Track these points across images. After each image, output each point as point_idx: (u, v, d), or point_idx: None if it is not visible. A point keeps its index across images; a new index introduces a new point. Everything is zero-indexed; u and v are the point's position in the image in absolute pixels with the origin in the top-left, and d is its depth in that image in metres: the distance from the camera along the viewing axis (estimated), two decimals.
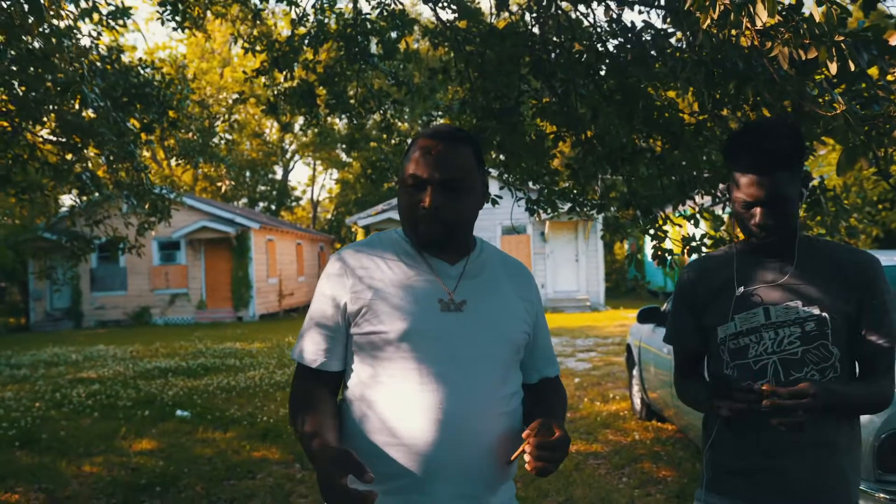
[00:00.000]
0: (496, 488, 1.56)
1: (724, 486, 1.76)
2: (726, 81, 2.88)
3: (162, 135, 6.42)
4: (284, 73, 4.92)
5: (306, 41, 4.67)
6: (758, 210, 1.65)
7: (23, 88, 4.98)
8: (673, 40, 3.40)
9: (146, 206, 6.25)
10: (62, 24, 4.70)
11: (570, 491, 4.68)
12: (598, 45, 3.87)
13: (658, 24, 3.56)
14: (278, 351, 12.93)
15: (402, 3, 4.97)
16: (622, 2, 3.70)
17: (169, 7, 5.22)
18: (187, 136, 6.88)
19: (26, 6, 3.95)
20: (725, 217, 4.86)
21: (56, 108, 5.15)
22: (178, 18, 5.41)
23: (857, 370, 1.76)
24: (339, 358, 1.61)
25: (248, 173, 38.33)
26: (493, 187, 5.02)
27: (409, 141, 1.65)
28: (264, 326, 19.23)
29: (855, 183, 9.75)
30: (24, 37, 4.28)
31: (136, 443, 6.24)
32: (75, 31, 4.93)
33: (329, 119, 5.66)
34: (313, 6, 4.83)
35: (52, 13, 4.72)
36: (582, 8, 4.01)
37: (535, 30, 4.16)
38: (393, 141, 5.62)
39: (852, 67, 2.12)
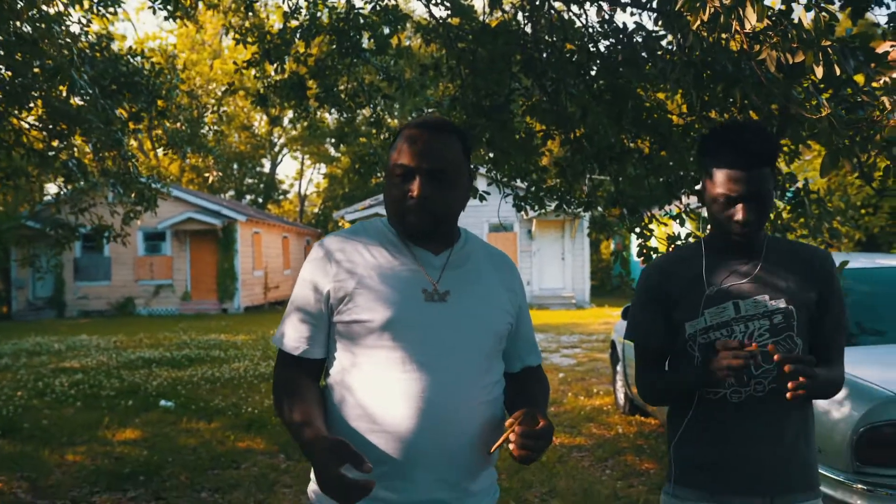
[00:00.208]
0: (477, 475, 1.58)
1: (691, 479, 1.78)
2: (715, 83, 2.92)
3: (150, 124, 6.39)
4: (275, 65, 4.91)
5: (298, 34, 4.66)
6: (740, 206, 1.67)
7: (9, 74, 4.95)
8: (664, 42, 3.44)
9: (132, 195, 6.22)
10: (52, 11, 4.66)
11: (553, 482, 4.73)
12: (590, 46, 3.90)
13: (650, 25, 3.61)
14: (263, 343, 12.91)
15: None
16: (614, 3, 3.74)
17: None
18: (175, 126, 6.85)
19: None
20: None
21: (43, 94, 5.12)
22: (169, 7, 5.39)
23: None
24: (321, 345, 1.62)
25: (235, 166, 38.13)
26: (482, 184, 5.05)
27: (397, 131, 1.65)
28: (249, 319, 19.17)
29: (839, 188, 9.87)
30: (12, 21, 4.25)
31: (119, 432, 6.23)
32: (65, 17, 4.89)
33: (318, 113, 5.65)
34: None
35: None
36: (575, 8, 4.04)
37: (528, 29, 4.18)
38: (382, 136, 5.63)
39: (838, 72, 2.16)
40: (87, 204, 6.84)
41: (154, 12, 5.33)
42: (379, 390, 1.51)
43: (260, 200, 40.11)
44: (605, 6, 3.77)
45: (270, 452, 5.61)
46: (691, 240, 3.84)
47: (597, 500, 4.38)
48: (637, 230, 4.22)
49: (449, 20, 4.57)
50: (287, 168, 65.33)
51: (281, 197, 43.30)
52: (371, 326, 1.52)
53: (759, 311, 1.73)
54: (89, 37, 5.47)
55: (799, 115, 2.48)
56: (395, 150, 1.59)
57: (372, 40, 4.77)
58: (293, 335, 1.61)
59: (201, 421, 6.67)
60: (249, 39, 4.78)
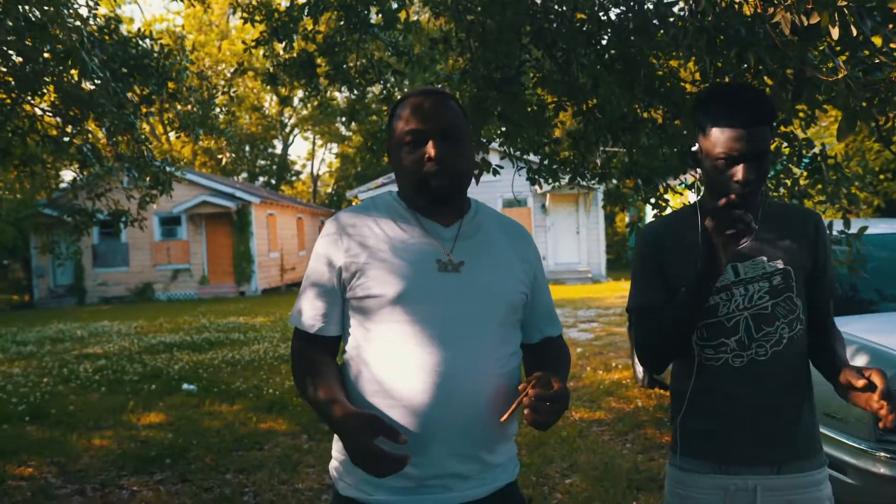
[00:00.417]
0: (495, 448, 1.57)
1: (697, 450, 1.76)
2: (728, 48, 2.87)
3: (161, 107, 6.40)
4: (284, 43, 4.89)
5: (306, 11, 4.63)
6: (741, 166, 1.64)
7: (20, 60, 4.96)
8: (675, 9, 3.38)
9: (147, 179, 6.25)
10: None
11: (574, 457, 4.76)
12: (600, 14, 3.84)
13: None
14: (281, 325, 13.01)
15: None
16: None
17: None
18: (187, 109, 6.85)
19: None
20: None
21: (55, 79, 5.13)
22: None
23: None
24: (337, 322, 1.62)
25: (247, 147, 38.21)
26: (494, 158, 5.02)
27: (393, 106, 1.65)
28: (267, 301, 19.32)
29: (857, 153, 9.72)
30: (22, 6, 4.25)
31: (144, 416, 6.32)
32: (72, 1, 4.89)
33: (329, 91, 5.62)
34: None
35: None
36: None
37: None
38: None
39: (855, 33, 2.11)
40: (103, 189, 6.88)
41: None
42: (394, 364, 1.51)
43: (273, 182, 40.24)
44: None
45: (293, 433, 5.67)
46: None
47: (617, 473, 4.39)
48: (652, 201, 4.18)
49: None
50: (299, 149, 65.56)
51: (294, 178, 43.41)
52: (384, 300, 1.52)
53: (757, 273, 1.71)
54: (97, 20, 5.47)
55: (815, 78, 2.43)
56: (399, 120, 1.59)
57: (380, 15, 4.72)
58: (308, 313, 1.62)
59: (223, 403, 6.75)
60: (257, 18, 4.75)
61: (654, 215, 4.15)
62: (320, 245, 1.64)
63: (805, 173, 3.48)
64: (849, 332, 3.40)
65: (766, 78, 2.89)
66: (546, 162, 4.69)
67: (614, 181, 4.68)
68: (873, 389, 1.52)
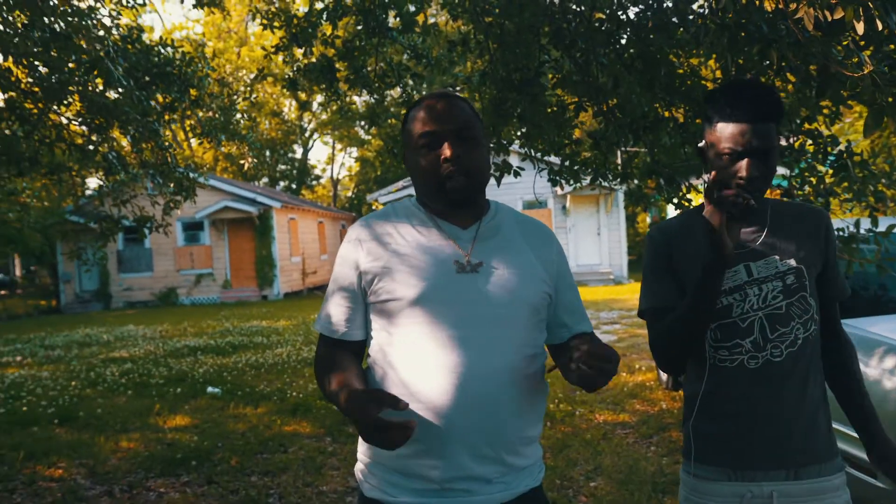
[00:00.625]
0: (517, 450, 1.56)
1: (711, 456, 1.72)
2: (750, 45, 2.85)
3: (183, 114, 6.47)
4: (303, 48, 4.93)
5: (324, 16, 4.66)
6: (744, 161, 1.62)
7: (46, 71, 5.04)
8: (695, 6, 3.36)
9: (171, 185, 6.32)
10: (83, 5, 4.74)
11: (598, 460, 4.73)
12: (619, 13, 3.83)
13: None
14: (304, 328, 13.08)
15: None
16: None
17: None
18: (209, 115, 6.92)
19: None
20: None
21: (80, 88, 5.21)
22: None
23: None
24: (361, 326, 1.63)
25: (268, 152, 38.51)
26: (515, 160, 5.01)
27: (408, 109, 1.65)
28: (289, 305, 19.44)
29: (883, 149, 9.58)
30: (46, 18, 4.32)
31: (170, 419, 6.38)
32: (95, 11, 4.97)
33: (348, 96, 5.65)
34: None
35: None
36: None
37: None
38: None
39: (880, 28, 2.09)
40: (128, 196, 6.97)
41: (182, 1, 5.38)
42: (416, 366, 1.51)
43: (293, 186, 40.49)
44: None
45: (317, 436, 5.70)
46: None
47: (642, 477, 4.36)
48: (675, 201, 4.15)
49: None
50: (318, 153, 65.90)
51: (314, 182, 43.65)
52: (403, 302, 1.53)
53: (771, 273, 1.68)
54: (120, 29, 5.55)
55: (839, 73, 2.40)
56: (414, 123, 1.60)
57: (398, 19, 4.75)
58: (332, 318, 1.64)
59: (248, 406, 6.80)
60: (276, 24, 4.79)
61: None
62: (343, 251, 1.66)
63: (831, 171, 3.43)
64: (878, 333, 3.36)
65: (789, 75, 2.86)
66: (567, 163, 4.68)
67: (636, 181, 4.65)
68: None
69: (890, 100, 2.29)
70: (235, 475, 4.78)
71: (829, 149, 3.42)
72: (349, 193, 43.09)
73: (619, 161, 4.57)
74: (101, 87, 5.20)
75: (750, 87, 1.65)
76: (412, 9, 4.85)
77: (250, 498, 4.34)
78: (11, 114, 5.38)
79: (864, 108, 2.49)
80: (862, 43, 2.46)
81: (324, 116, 38.03)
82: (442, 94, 1.64)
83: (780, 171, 3.52)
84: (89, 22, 4.81)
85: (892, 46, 2.51)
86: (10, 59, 4.73)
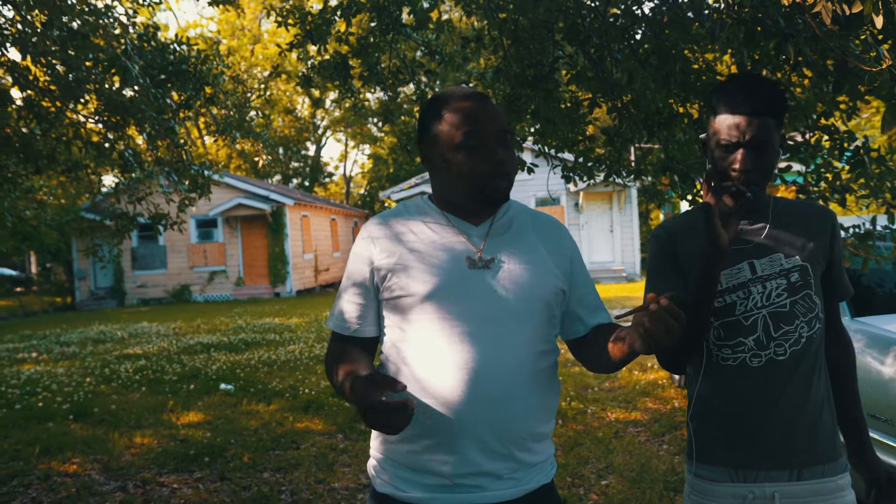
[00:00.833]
0: (528, 447, 1.56)
1: (713, 455, 1.71)
2: (767, 40, 2.82)
3: (198, 111, 6.51)
4: (318, 46, 4.93)
5: (339, 13, 4.66)
6: (739, 153, 1.61)
7: (63, 69, 5.08)
8: (711, 0, 3.34)
9: (186, 183, 6.36)
10: (101, 4, 4.78)
11: (610, 458, 4.71)
12: (634, 9, 3.80)
13: None
14: (316, 325, 13.12)
15: None
16: None
17: None
18: (223, 112, 6.95)
19: None
20: None
21: (97, 87, 5.25)
22: None
23: None
24: (373, 323, 1.64)
25: (280, 150, 38.66)
26: (528, 157, 5.00)
27: (426, 109, 1.62)
28: (301, 302, 19.50)
29: None
30: (65, 16, 4.36)
31: (183, 415, 6.42)
32: (112, 10, 5.01)
33: (362, 93, 5.66)
34: None
35: None
36: None
37: None
38: None
39: None
40: (143, 193, 7.01)
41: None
42: (428, 362, 1.52)
43: (306, 184, 40.62)
44: None
45: (329, 433, 5.71)
46: None
47: (654, 475, 4.34)
48: (689, 197, 4.13)
49: None
50: (331, 150, 66.15)
51: (327, 179, 43.77)
52: (415, 298, 1.53)
53: (775, 270, 1.67)
54: (136, 28, 5.59)
55: (857, 68, 2.38)
56: (447, 122, 1.58)
57: (412, 15, 4.74)
58: (345, 315, 1.65)
59: (261, 403, 6.83)
60: (290, 21, 4.80)
61: None
62: (355, 251, 1.67)
63: (847, 167, 3.39)
64: (894, 331, 3.32)
65: (805, 70, 2.84)
66: (581, 159, 4.66)
67: (650, 178, 4.62)
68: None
69: None
70: (248, 471, 4.80)
71: (845, 144, 3.38)
72: (362, 191, 43.18)
73: (632, 157, 4.55)
74: (117, 86, 5.23)
75: (750, 81, 1.64)
76: (426, 5, 4.85)
77: (262, 494, 4.36)
78: (29, 112, 5.43)
79: (882, 103, 2.46)
80: (881, 37, 2.43)
81: (337, 113, 38.14)
82: (475, 92, 1.63)
83: (796, 167, 3.49)
84: (107, 20, 4.84)
85: None
86: (29, 57, 4.76)
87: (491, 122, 1.56)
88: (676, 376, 6.72)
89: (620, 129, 4.15)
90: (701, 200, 4.09)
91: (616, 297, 15.48)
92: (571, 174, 4.73)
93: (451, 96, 1.61)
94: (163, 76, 5.62)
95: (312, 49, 5.10)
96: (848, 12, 2.10)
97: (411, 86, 5.55)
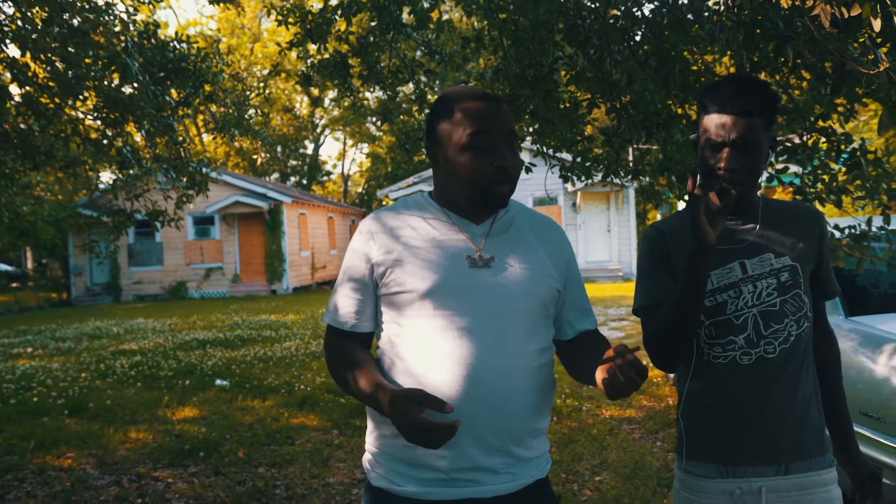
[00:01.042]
0: (525, 442, 1.57)
1: (703, 452, 1.72)
2: (766, 42, 2.84)
3: (196, 109, 6.50)
4: (318, 45, 4.94)
5: (339, 12, 4.67)
6: (724, 152, 1.63)
7: (63, 66, 5.08)
8: (710, 2, 3.36)
9: (184, 180, 6.36)
10: (101, 1, 4.78)
11: (604, 455, 4.73)
12: (634, 10, 3.82)
13: None
14: (313, 322, 13.12)
15: None
16: None
17: None
18: (222, 110, 6.95)
19: None
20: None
21: (96, 84, 5.25)
22: None
23: None
24: (370, 318, 1.65)
25: (279, 148, 38.63)
26: (526, 156, 5.02)
27: (436, 105, 1.62)
28: (298, 299, 19.50)
29: None
30: (65, 14, 4.36)
31: (178, 411, 6.42)
32: (113, 7, 5.01)
33: (361, 92, 5.67)
34: None
35: None
36: None
37: None
38: (425, 111, 5.63)
39: None
40: (141, 190, 7.01)
41: None
42: (425, 358, 1.52)
43: (304, 182, 40.58)
44: None
45: (324, 428, 5.72)
46: None
47: (648, 472, 4.37)
48: (686, 198, 4.14)
49: None
50: (329, 149, 66.15)
51: (325, 178, 43.74)
52: (415, 295, 1.54)
53: (765, 270, 1.69)
54: (136, 25, 5.59)
55: (855, 71, 2.40)
56: (456, 122, 1.58)
57: (412, 15, 4.75)
58: (342, 310, 1.65)
59: (256, 399, 6.84)
60: (291, 20, 4.81)
61: None
62: (354, 243, 1.67)
63: (844, 169, 3.42)
64: (888, 330, 3.35)
65: (804, 72, 2.85)
66: (579, 159, 4.68)
67: (648, 178, 4.64)
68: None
69: None
70: (243, 467, 4.81)
71: (842, 146, 3.40)
72: (359, 189, 43.16)
73: (630, 158, 4.57)
74: (116, 83, 5.22)
75: (738, 81, 1.66)
76: (426, 5, 4.86)
77: (257, 489, 4.37)
78: (28, 108, 5.42)
79: (880, 105, 2.48)
80: (879, 40, 2.45)
81: (335, 112, 38.12)
82: (487, 94, 1.63)
83: (793, 168, 3.51)
84: (107, 18, 4.84)
85: None
86: (29, 54, 4.76)
87: (500, 124, 1.57)
88: (671, 374, 6.74)
89: (619, 130, 4.16)
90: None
91: (612, 297, 15.51)
92: (569, 174, 4.75)
93: (463, 95, 1.61)
94: (162, 74, 5.62)
95: (312, 48, 5.11)
96: (846, 15, 2.12)
97: (411, 85, 5.56)
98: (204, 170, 6.67)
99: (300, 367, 8.52)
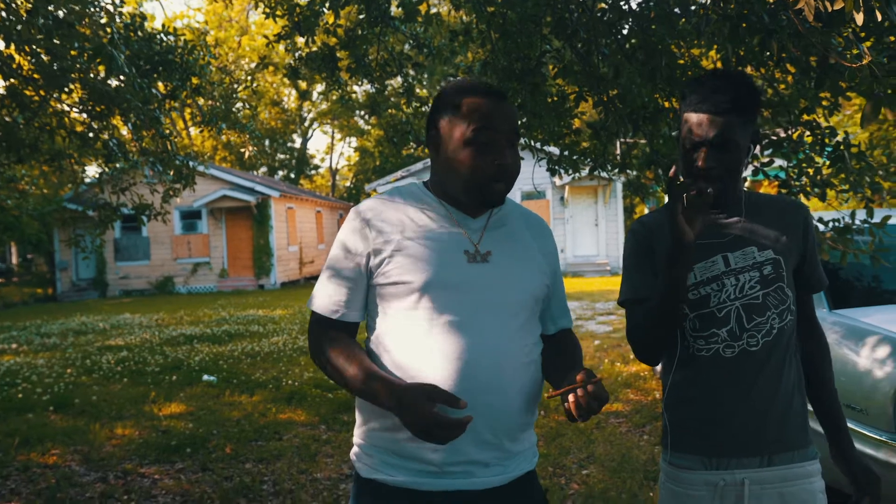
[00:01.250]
0: (517, 436, 1.58)
1: (687, 443, 1.73)
2: (751, 36, 2.85)
3: (184, 102, 6.46)
4: (306, 37, 4.92)
5: (327, 5, 4.65)
6: (702, 151, 1.63)
7: (48, 58, 5.03)
8: None
9: (171, 173, 6.32)
10: None
11: (591, 448, 4.76)
12: (621, 4, 3.83)
13: None
14: (300, 317, 13.09)
15: None
16: None
17: None
18: (210, 104, 6.91)
19: None
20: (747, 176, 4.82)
21: (81, 76, 5.20)
22: None
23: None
24: (358, 308, 1.63)
25: (267, 142, 38.45)
26: None
27: (441, 96, 1.64)
28: (286, 294, 19.44)
29: (881, 141, 9.60)
30: (50, 6, 4.31)
31: (165, 406, 6.40)
32: None
33: (349, 85, 5.65)
34: None
35: None
36: None
37: None
38: (413, 105, 5.62)
39: (880, 19, 2.09)
40: (127, 183, 6.96)
41: None
42: (418, 351, 1.52)
43: (292, 176, 40.43)
44: None
45: (311, 424, 5.72)
46: None
47: (634, 465, 4.39)
48: (666, 185, 4.16)
49: None
50: (317, 143, 65.75)
51: (312, 172, 43.60)
52: (411, 287, 1.53)
53: (748, 263, 1.70)
54: (123, 17, 5.54)
55: (839, 64, 2.41)
56: (466, 115, 1.56)
57: (400, 8, 4.74)
58: (330, 299, 1.62)
59: (243, 394, 6.82)
60: (278, 13, 4.78)
61: None
62: (345, 232, 1.64)
63: (828, 162, 3.44)
64: (871, 323, 3.38)
65: (788, 66, 2.87)
66: (566, 153, 4.69)
67: (635, 172, 4.66)
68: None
69: (889, 91, 2.30)
70: (230, 462, 4.80)
71: (826, 140, 3.42)
72: (347, 183, 43.04)
73: (618, 151, 4.58)
74: (102, 75, 5.18)
75: (716, 80, 1.65)
76: None
77: (244, 485, 4.36)
78: (12, 101, 5.37)
79: (863, 99, 2.50)
80: (862, 34, 2.47)
81: (323, 106, 37.97)
82: (493, 89, 1.61)
83: (778, 162, 3.53)
84: (93, 9, 4.79)
85: (893, 38, 2.52)
86: (13, 46, 4.71)
87: (504, 122, 1.56)
88: (658, 368, 6.77)
89: (606, 123, 4.17)
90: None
91: (600, 291, 15.57)
92: (557, 167, 4.75)
93: (470, 89, 1.59)
94: (149, 66, 5.57)
95: (300, 41, 5.09)
96: (830, 9, 2.12)
97: (399, 78, 5.54)
98: (191, 163, 6.63)
99: (288, 362, 8.50)
